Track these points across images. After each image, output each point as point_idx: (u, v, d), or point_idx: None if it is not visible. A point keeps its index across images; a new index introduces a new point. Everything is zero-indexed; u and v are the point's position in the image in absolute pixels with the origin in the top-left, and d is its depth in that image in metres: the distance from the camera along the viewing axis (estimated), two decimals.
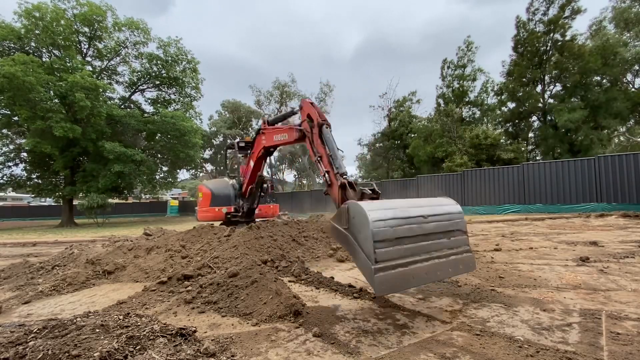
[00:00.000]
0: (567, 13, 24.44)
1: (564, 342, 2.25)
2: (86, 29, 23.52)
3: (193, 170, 37.47)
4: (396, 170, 32.09)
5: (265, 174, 11.30)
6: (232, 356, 2.15)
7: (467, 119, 30.33)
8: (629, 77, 26.59)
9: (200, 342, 2.23)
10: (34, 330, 2.26)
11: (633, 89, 26.12)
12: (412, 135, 32.04)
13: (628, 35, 25.50)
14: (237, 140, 8.14)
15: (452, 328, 2.55)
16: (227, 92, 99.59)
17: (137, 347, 1.99)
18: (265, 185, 8.82)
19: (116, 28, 24.36)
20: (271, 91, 41.08)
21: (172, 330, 2.27)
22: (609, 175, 14.12)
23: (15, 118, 21.74)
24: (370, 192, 3.63)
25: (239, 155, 8.16)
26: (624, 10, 25.41)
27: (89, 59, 25.18)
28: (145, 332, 2.17)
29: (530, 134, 29.70)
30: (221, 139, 41.86)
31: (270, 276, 3.64)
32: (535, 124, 29.22)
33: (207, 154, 42.88)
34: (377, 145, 36.57)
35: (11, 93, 18.79)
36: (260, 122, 7.18)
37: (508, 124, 29.78)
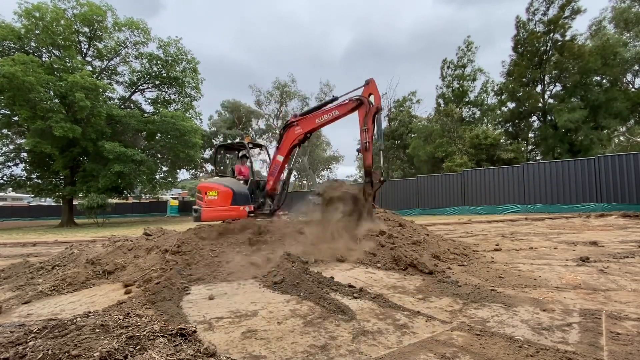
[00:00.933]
0: (567, 13, 24.46)
1: (564, 342, 2.25)
2: (86, 29, 23.51)
3: (193, 170, 37.48)
4: (396, 170, 32.11)
5: (264, 173, 11.30)
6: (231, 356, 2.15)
7: (467, 119, 30.35)
8: (629, 77, 26.62)
9: (200, 342, 2.23)
10: (34, 330, 2.26)
11: (633, 89, 26.13)
12: (412, 135, 32.06)
13: (628, 35, 25.51)
14: (228, 141, 8.29)
15: (452, 328, 2.55)
16: (219, 92, 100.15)
17: (137, 347, 1.99)
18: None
19: (116, 28, 24.35)
20: (271, 91, 41.13)
21: (172, 330, 2.27)
22: (609, 175, 14.12)
23: (15, 118, 21.73)
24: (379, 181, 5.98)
25: (228, 155, 8.31)
26: (623, 10, 25.41)
27: (89, 59, 25.17)
28: (145, 332, 2.17)
29: (530, 134, 29.73)
30: (221, 139, 41.89)
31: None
32: (535, 124, 29.25)
33: (207, 154, 42.88)
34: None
35: (11, 93, 18.79)
36: (290, 117, 7.65)
37: (508, 124, 29.80)
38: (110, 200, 24.00)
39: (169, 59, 25.61)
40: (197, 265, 4.53)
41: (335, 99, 6.79)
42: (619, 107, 23.20)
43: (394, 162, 33.43)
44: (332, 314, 2.95)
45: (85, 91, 19.88)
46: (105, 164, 21.97)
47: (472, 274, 4.25)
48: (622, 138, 28.32)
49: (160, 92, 28.24)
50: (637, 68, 25.49)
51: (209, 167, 45.37)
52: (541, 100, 27.19)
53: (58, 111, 19.89)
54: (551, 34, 25.29)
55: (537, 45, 26.04)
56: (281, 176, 7.68)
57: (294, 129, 7.11)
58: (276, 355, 2.18)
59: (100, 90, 21.23)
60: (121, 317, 2.53)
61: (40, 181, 25.30)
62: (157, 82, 26.81)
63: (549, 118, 26.85)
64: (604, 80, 25.05)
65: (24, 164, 25.27)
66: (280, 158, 7.38)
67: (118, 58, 26.21)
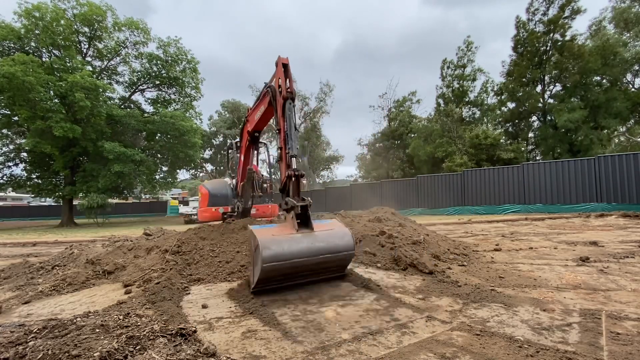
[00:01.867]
0: (567, 13, 24.47)
1: (564, 342, 2.25)
2: (86, 29, 23.53)
3: (193, 170, 37.48)
4: (396, 170, 32.11)
5: (264, 173, 11.30)
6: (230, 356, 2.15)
7: (467, 119, 30.35)
8: (629, 77, 26.61)
9: (200, 342, 2.23)
10: (34, 330, 2.27)
11: (633, 89, 26.13)
12: (412, 135, 32.06)
13: (628, 35, 25.51)
14: (237, 140, 8.10)
15: (452, 328, 2.55)
16: (210, 92, 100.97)
17: (137, 347, 1.99)
18: (265, 185, 8.80)
19: (116, 28, 24.37)
20: None
21: (172, 330, 2.27)
22: (609, 175, 14.13)
23: (15, 118, 21.75)
24: (300, 208, 3.68)
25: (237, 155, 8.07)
26: (623, 10, 25.42)
27: (89, 59, 25.18)
28: (145, 332, 2.17)
29: (530, 134, 29.74)
30: (221, 139, 41.87)
31: None
32: (535, 124, 29.26)
33: (207, 154, 42.88)
34: (377, 145, 36.58)
35: (11, 93, 18.80)
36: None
37: (508, 124, 29.81)
38: (110, 200, 24.02)
39: (169, 59, 25.63)
40: (197, 265, 4.53)
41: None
42: (619, 107, 23.20)
43: (394, 162, 33.43)
44: None
45: (85, 91, 19.89)
46: (105, 164, 21.98)
47: (472, 274, 4.25)
48: (622, 138, 28.31)
49: (160, 92, 28.26)
50: (637, 68, 25.49)
51: (209, 167, 45.39)
52: (541, 100, 27.20)
53: (58, 111, 19.90)
54: (551, 34, 25.29)
55: (537, 45, 26.05)
56: (244, 178, 7.38)
57: (246, 126, 6.41)
58: (276, 355, 2.18)
59: (100, 90, 21.24)
60: (121, 317, 2.53)
61: (40, 181, 25.31)
62: (157, 82, 26.83)
63: (549, 118, 26.85)
64: (604, 80, 25.05)
65: (24, 164, 25.29)
66: (241, 158, 7.12)
67: (118, 58, 26.23)
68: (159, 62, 25.38)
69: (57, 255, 5.84)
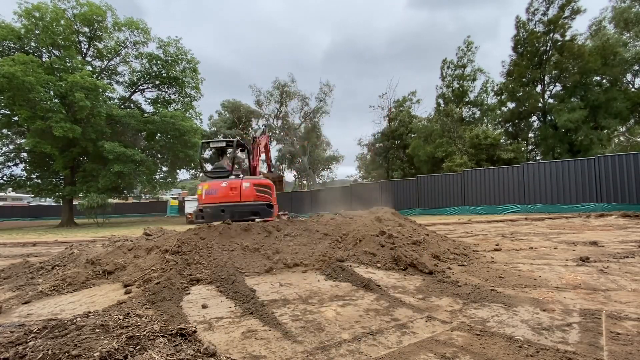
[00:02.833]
0: (566, 13, 24.45)
1: (564, 342, 2.25)
2: (86, 29, 23.53)
3: (193, 170, 37.43)
4: (396, 170, 32.08)
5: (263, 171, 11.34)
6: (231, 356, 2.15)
7: (467, 119, 30.33)
8: (629, 77, 26.59)
9: (200, 342, 2.23)
10: (34, 330, 2.26)
11: (633, 89, 26.11)
12: (412, 135, 32.04)
13: (628, 35, 25.49)
14: (238, 138, 8.61)
15: (452, 328, 2.55)
16: (208, 92, 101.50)
17: (137, 347, 1.99)
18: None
19: (116, 28, 24.37)
20: (271, 91, 41.08)
21: (172, 330, 2.27)
22: (609, 175, 14.12)
23: (15, 118, 21.74)
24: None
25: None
26: (623, 10, 25.40)
27: (89, 59, 25.18)
28: (145, 332, 2.17)
29: (530, 134, 29.72)
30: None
31: None
32: (535, 124, 29.25)
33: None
34: (377, 145, 36.56)
35: (11, 93, 18.80)
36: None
37: (508, 124, 29.79)
38: (110, 200, 24.03)
39: (169, 58, 25.63)
40: (197, 265, 4.53)
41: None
42: (619, 107, 23.18)
43: (394, 162, 33.41)
44: None
45: (85, 91, 19.89)
46: (105, 164, 21.99)
47: (472, 274, 4.25)
48: (622, 138, 28.29)
49: (160, 92, 28.26)
50: (637, 68, 25.46)
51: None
52: (541, 100, 27.18)
53: (58, 111, 19.91)
54: (551, 34, 25.28)
55: (537, 45, 26.03)
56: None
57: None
58: (276, 355, 2.18)
59: (100, 90, 21.25)
60: (121, 317, 2.53)
61: (40, 181, 25.32)
62: (157, 82, 26.83)
63: (549, 118, 26.84)
64: (604, 80, 25.03)
65: (24, 164, 25.30)
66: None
67: (118, 58, 26.24)
68: (159, 62, 25.38)
69: (57, 255, 5.84)
